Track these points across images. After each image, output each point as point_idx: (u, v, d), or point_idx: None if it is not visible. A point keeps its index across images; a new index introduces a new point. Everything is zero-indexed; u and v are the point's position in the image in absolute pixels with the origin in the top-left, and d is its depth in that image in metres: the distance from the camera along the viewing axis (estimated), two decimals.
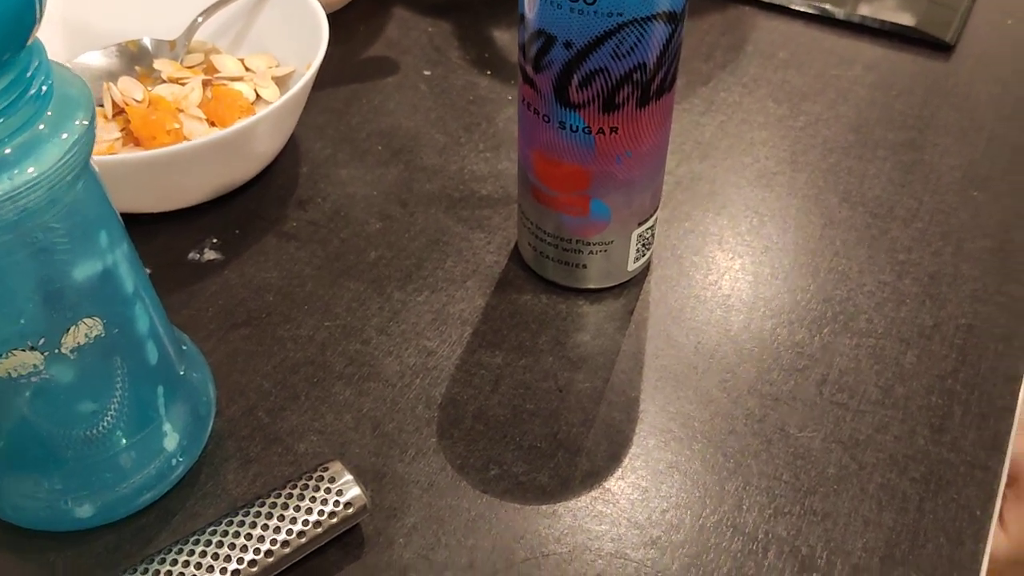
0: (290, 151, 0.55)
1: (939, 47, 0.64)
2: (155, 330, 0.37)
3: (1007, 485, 0.63)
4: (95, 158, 0.46)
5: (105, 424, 0.36)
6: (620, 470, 0.40)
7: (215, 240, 0.50)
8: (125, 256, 0.34)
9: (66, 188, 0.30)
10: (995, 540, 0.62)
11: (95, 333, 0.34)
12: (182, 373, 0.39)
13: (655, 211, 0.46)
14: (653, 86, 0.39)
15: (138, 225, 0.50)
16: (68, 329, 0.33)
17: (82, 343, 0.33)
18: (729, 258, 0.50)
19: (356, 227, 0.51)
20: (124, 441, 0.37)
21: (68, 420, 0.35)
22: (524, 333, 0.46)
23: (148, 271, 0.49)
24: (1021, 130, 0.58)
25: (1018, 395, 0.44)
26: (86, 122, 0.31)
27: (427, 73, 0.61)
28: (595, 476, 0.40)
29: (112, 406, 0.36)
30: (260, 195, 0.53)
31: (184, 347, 0.41)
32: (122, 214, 0.49)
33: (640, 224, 0.45)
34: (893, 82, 0.61)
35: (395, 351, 0.45)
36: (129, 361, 0.36)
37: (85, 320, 0.33)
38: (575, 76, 0.39)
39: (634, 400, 0.43)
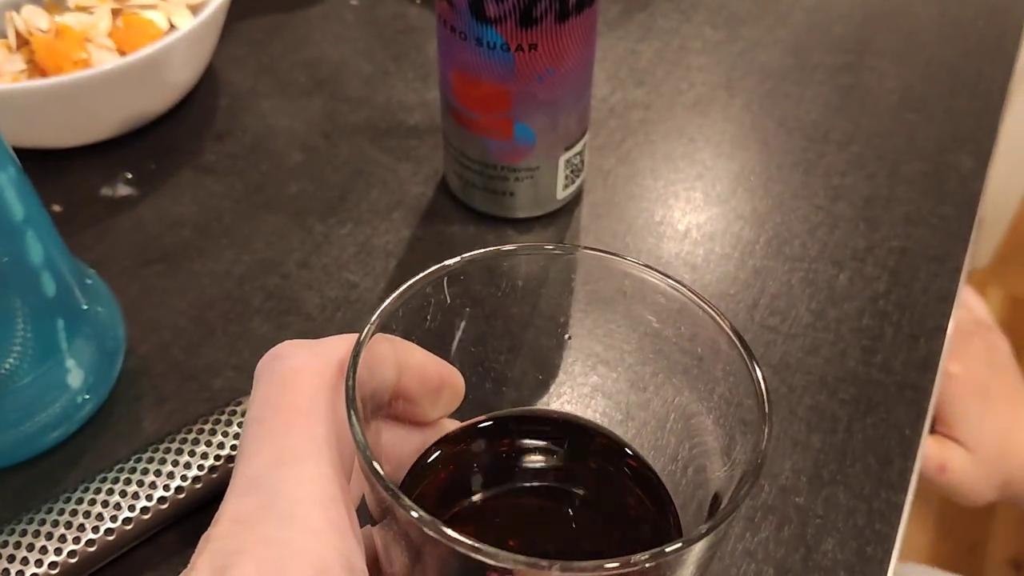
0: (208, 83, 0.53)
1: None
2: (51, 261, 0.35)
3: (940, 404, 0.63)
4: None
5: (2, 359, 0.34)
6: (546, 396, 0.39)
7: (129, 175, 0.48)
8: (12, 181, 0.32)
9: None
10: (956, 458, 0.63)
11: None
12: (85, 308, 0.37)
13: (583, 136, 0.44)
14: None
15: (48, 160, 0.48)
16: None
17: None
18: (662, 185, 0.49)
19: (276, 160, 0.49)
20: (24, 378, 0.35)
21: None
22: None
23: (59, 208, 0.47)
24: (958, 53, 0.57)
25: (950, 315, 0.43)
26: None
27: (353, 2, 0.59)
28: (520, 405, 0.39)
29: (8, 340, 0.34)
30: (176, 128, 0.50)
31: (89, 281, 0.39)
32: (31, 149, 0.47)
33: (567, 149, 0.44)
34: (832, 6, 0.60)
35: (316, 285, 0.44)
36: (23, 292, 0.34)
37: None
38: None
39: (562, 325, 0.42)
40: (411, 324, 0.25)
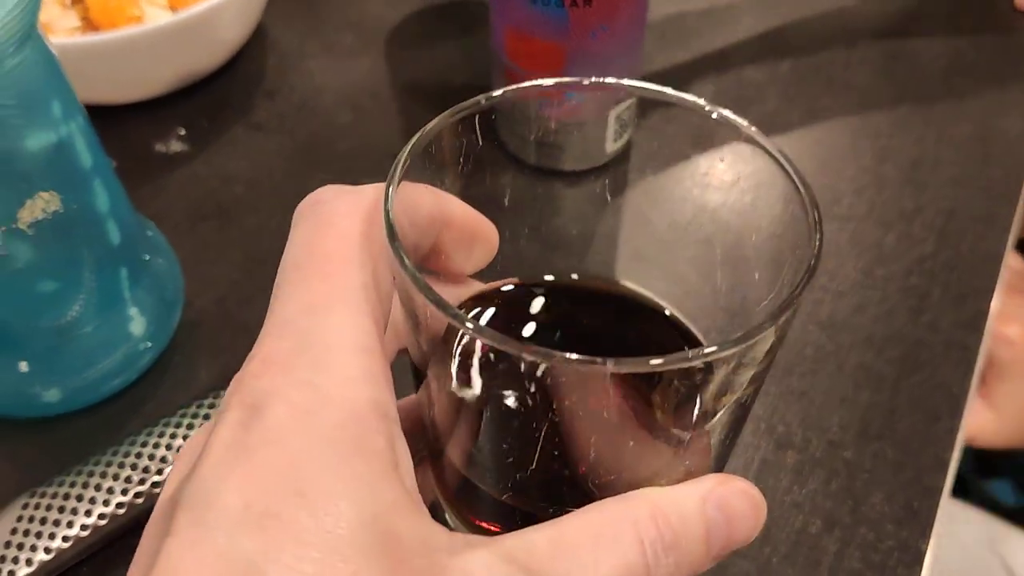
0: (257, 41, 0.53)
1: None
2: (117, 210, 0.36)
3: (989, 365, 0.64)
4: (54, 41, 0.44)
5: (68, 306, 0.35)
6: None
7: (182, 131, 0.49)
8: (81, 130, 0.33)
9: (12, 51, 0.29)
10: (981, 417, 0.63)
11: (53, 208, 0.32)
12: (147, 258, 0.38)
13: None
14: None
15: (103, 116, 0.48)
16: (24, 203, 0.32)
17: (40, 218, 0.32)
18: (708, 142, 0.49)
19: (325, 118, 0.50)
20: (89, 325, 0.36)
21: (30, 300, 0.34)
22: (500, 217, 0.45)
23: (114, 163, 0.47)
24: (1008, 17, 0.56)
25: (998, 276, 0.43)
26: None
27: None
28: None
29: (74, 287, 0.35)
30: (227, 85, 0.51)
31: (149, 233, 0.40)
32: (85, 104, 0.48)
33: (618, 104, 0.44)
34: None
35: None
36: (90, 240, 0.35)
37: (42, 194, 0.32)
38: None
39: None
40: (442, 166, 0.23)
